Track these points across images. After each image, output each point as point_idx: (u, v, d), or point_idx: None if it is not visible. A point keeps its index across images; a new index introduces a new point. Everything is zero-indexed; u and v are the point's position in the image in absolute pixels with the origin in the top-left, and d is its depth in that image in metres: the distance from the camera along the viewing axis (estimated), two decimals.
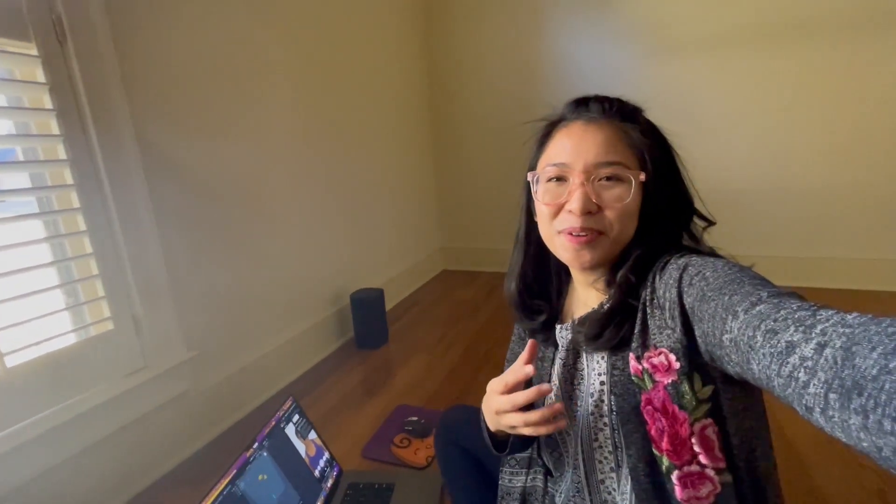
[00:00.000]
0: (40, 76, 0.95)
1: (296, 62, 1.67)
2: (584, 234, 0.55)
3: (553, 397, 0.69)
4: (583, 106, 0.59)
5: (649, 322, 0.54)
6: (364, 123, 2.11)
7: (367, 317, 1.86)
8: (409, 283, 2.58)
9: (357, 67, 2.04)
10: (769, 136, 2.13)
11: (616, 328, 0.57)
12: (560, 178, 0.57)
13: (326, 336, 1.87)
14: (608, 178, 0.55)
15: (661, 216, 0.57)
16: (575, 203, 0.54)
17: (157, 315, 1.17)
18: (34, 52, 0.94)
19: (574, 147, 0.56)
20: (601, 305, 0.60)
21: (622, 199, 0.54)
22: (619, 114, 0.57)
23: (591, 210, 0.54)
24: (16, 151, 0.99)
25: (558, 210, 0.57)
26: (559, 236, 0.58)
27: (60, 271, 1.04)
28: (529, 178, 0.61)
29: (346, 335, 1.98)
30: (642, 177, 0.54)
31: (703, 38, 2.13)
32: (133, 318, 1.13)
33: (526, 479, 0.82)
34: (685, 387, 0.50)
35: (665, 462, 0.54)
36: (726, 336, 0.40)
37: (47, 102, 0.97)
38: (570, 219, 0.55)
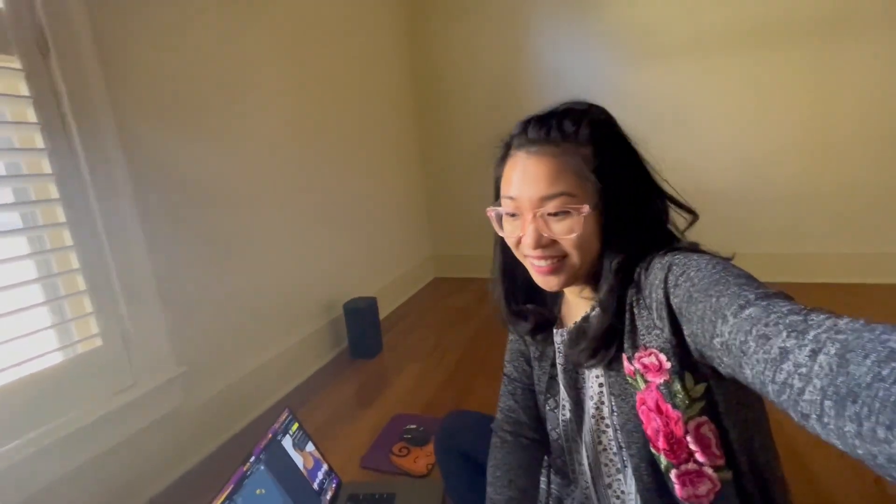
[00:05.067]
0: (23, 89, 0.93)
1: (284, 74, 1.67)
2: (545, 264, 0.56)
3: (553, 400, 0.69)
4: (528, 130, 0.56)
5: (637, 322, 0.54)
6: (352, 132, 2.11)
7: (361, 326, 1.85)
8: (400, 292, 2.56)
9: (345, 76, 2.05)
10: (753, 136, 2.18)
11: (607, 348, 0.56)
12: (514, 213, 0.57)
13: (320, 347, 1.85)
14: (556, 213, 0.54)
15: (628, 223, 0.55)
16: (527, 239, 0.55)
17: (147, 330, 1.14)
18: (17, 65, 0.92)
19: (519, 182, 0.55)
20: (592, 308, 0.60)
21: (572, 230, 0.53)
22: (559, 134, 0.54)
23: (544, 244, 0.55)
24: None
25: (519, 241, 0.58)
26: (527, 260, 0.59)
27: (46, 288, 1.01)
28: (490, 216, 0.61)
29: (339, 345, 1.95)
30: (585, 209, 0.52)
31: (686, 43, 2.19)
32: (122, 334, 1.10)
33: None
34: (677, 386, 0.50)
35: (663, 461, 0.54)
36: (717, 339, 0.40)
37: (31, 116, 0.95)
38: (528, 250, 0.56)
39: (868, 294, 2.01)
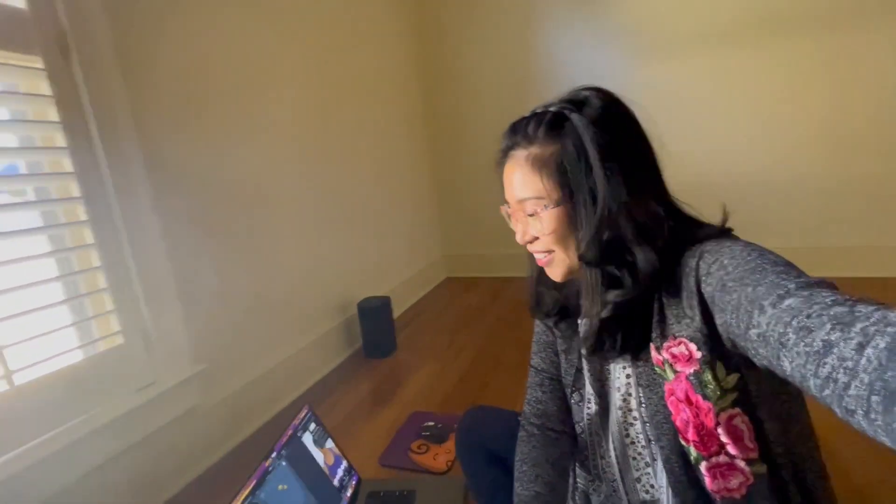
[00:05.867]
0: (45, 89, 0.95)
1: (299, 75, 1.68)
2: (540, 257, 0.61)
3: (579, 394, 0.68)
4: (507, 137, 0.60)
5: (667, 311, 0.53)
6: (364, 134, 2.12)
7: (375, 325, 1.84)
8: (413, 292, 2.56)
9: (356, 77, 2.06)
10: (768, 129, 2.15)
11: (613, 338, 0.57)
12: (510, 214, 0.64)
13: (335, 346, 1.85)
14: (531, 213, 0.58)
15: (593, 213, 0.53)
16: (517, 236, 0.62)
17: (167, 328, 1.15)
18: (39, 64, 0.93)
19: (504, 186, 0.61)
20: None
21: (543, 228, 0.57)
22: (524, 139, 0.57)
23: (528, 240, 0.61)
24: (19, 165, 0.98)
25: None
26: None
27: (67, 286, 1.02)
28: (503, 213, 0.66)
29: (354, 345, 1.95)
30: (542, 210, 0.56)
31: (699, 35, 2.16)
32: (142, 332, 1.10)
33: None
34: (708, 376, 0.49)
35: (693, 453, 0.53)
36: (753, 331, 0.39)
37: (52, 115, 0.96)
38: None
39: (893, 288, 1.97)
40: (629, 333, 0.56)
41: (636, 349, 0.57)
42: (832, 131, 2.05)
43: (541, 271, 0.71)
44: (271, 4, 1.55)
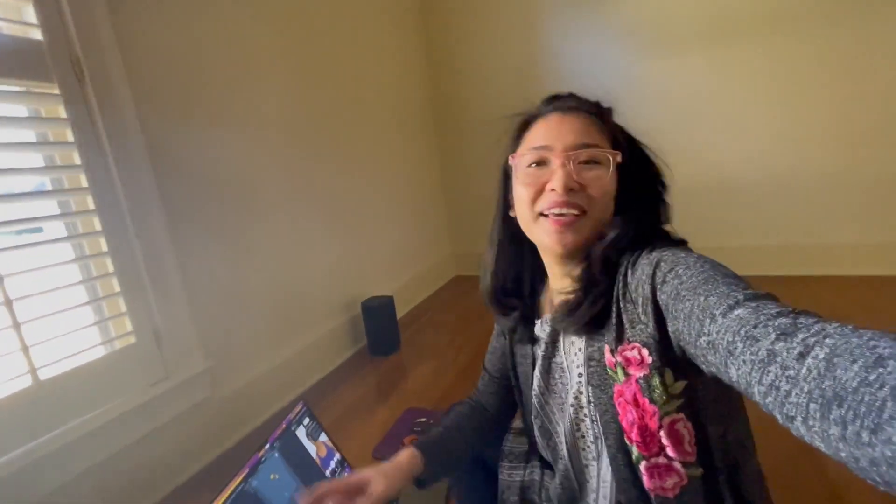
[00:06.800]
0: (62, 112, 1.04)
1: (301, 72, 1.73)
2: (566, 214, 0.56)
3: (537, 388, 0.72)
4: (557, 100, 0.63)
5: (623, 316, 0.55)
6: (371, 131, 2.17)
7: (379, 324, 1.91)
8: (421, 290, 2.62)
9: (363, 74, 2.10)
10: (775, 126, 2.09)
11: (591, 305, 0.57)
12: (540, 163, 0.59)
13: (339, 344, 1.92)
14: (587, 162, 0.57)
15: (636, 201, 0.59)
16: (557, 182, 0.56)
17: (176, 327, 1.24)
18: (56, 91, 1.02)
19: (553, 132, 0.59)
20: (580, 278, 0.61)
21: (601, 178, 0.57)
22: (590, 106, 0.61)
23: (574, 188, 0.56)
24: (45, 182, 1.08)
25: (540, 191, 0.58)
26: (540, 220, 0.59)
27: (87, 290, 1.12)
28: (510, 162, 0.64)
29: (359, 343, 2.02)
30: (618, 157, 0.57)
31: (704, 31, 2.12)
32: (154, 332, 1.20)
33: (524, 473, 0.84)
34: (656, 381, 0.52)
35: (635, 452, 0.55)
36: (703, 338, 0.41)
37: (69, 136, 1.05)
38: (553, 196, 0.56)
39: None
40: (592, 307, 0.58)
41: (591, 337, 0.59)
42: (840, 127, 1.99)
43: (498, 267, 0.74)
44: (269, 7, 1.60)
